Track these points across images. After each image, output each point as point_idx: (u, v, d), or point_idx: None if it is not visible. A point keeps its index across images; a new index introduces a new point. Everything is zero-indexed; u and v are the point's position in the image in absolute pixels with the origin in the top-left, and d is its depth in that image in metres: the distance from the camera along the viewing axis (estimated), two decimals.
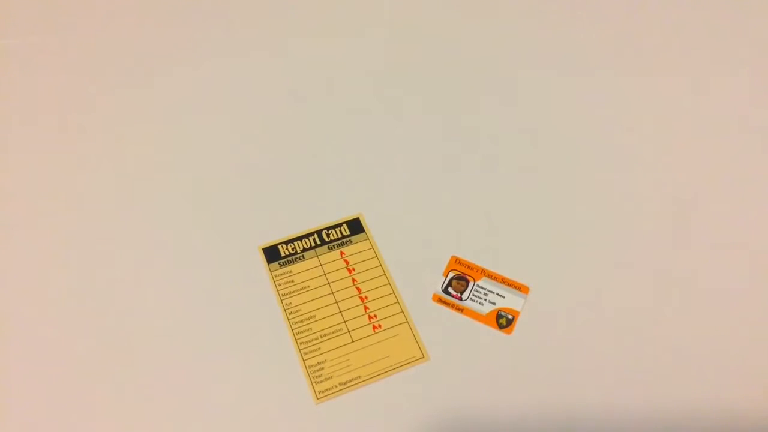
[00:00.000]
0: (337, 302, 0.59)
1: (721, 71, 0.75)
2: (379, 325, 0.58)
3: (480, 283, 0.60)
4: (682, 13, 0.80)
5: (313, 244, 0.62)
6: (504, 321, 0.59)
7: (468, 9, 0.79)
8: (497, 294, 0.60)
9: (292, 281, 0.60)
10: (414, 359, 0.57)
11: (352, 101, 0.72)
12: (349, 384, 0.55)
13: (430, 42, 0.77)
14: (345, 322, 0.58)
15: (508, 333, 0.58)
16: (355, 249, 0.62)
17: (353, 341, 0.58)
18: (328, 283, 0.60)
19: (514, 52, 0.76)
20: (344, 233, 0.63)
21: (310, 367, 0.56)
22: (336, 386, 0.55)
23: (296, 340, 0.57)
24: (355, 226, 0.64)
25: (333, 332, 0.58)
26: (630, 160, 0.68)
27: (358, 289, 0.60)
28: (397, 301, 0.60)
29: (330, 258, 0.62)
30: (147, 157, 0.67)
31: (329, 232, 0.63)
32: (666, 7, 0.80)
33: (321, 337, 0.58)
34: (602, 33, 0.78)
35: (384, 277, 0.61)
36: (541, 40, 0.77)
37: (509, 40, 0.77)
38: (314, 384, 0.55)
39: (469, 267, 0.61)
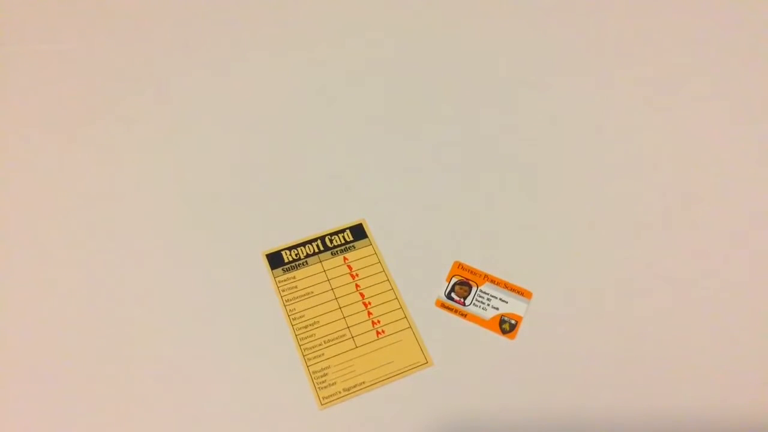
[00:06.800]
0: (340, 308, 0.60)
1: (721, 74, 0.75)
2: (383, 331, 0.59)
3: (483, 288, 0.61)
4: (680, 14, 0.80)
5: (317, 250, 0.63)
6: (507, 326, 0.59)
7: (469, 14, 0.80)
8: (500, 299, 0.60)
9: (296, 287, 0.61)
10: (417, 364, 0.57)
11: (355, 108, 0.72)
12: (353, 389, 0.56)
13: (431, 47, 0.77)
14: (348, 327, 0.59)
15: (512, 338, 0.58)
16: (358, 255, 0.62)
17: (357, 347, 0.58)
18: (332, 289, 0.61)
19: (515, 57, 0.76)
20: (347, 239, 0.63)
21: (314, 372, 0.56)
22: (340, 392, 0.55)
23: (300, 345, 0.58)
24: (358, 232, 0.64)
25: (337, 338, 0.58)
26: (631, 163, 0.68)
27: (362, 295, 0.60)
28: (401, 307, 0.60)
29: (333, 264, 0.62)
30: (150, 162, 0.68)
31: (332, 237, 0.63)
32: (664, 9, 0.80)
33: (325, 342, 0.58)
34: (602, 35, 0.78)
35: (387, 282, 0.61)
36: (541, 44, 0.77)
37: (510, 45, 0.77)
38: (318, 390, 0.55)
39: (472, 272, 0.61)
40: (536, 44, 0.77)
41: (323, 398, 0.55)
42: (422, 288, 0.61)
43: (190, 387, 0.55)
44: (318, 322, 0.59)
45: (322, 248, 0.63)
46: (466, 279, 0.61)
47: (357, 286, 0.61)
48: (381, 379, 0.56)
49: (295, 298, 0.60)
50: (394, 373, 0.56)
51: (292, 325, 0.59)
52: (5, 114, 0.71)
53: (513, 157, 0.69)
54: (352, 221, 0.64)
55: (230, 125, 0.71)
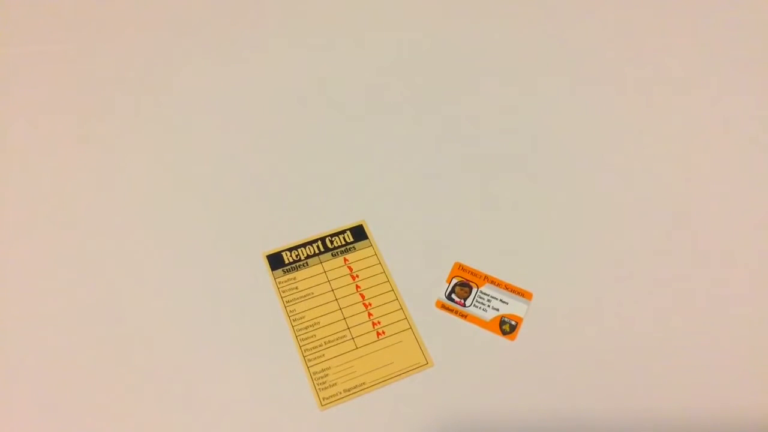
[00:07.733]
0: (341, 309, 0.60)
1: (723, 75, 0.75)
2: (383, 332, 0.59)
3: (483, 289, 0.61)
4: (680, 15, 0.80)
5: (317, 251, 0.63)
6: (507, 327, 0.59)
7: (469, 13, 0.80)
8: (500, 300, 0.60)
9: (296, 288, 0.61)
10: (418, 365, 0.57)
11: (355, 108, 0.72)
12: (353, 390, 0.56)
13: (430, 47, 0.77)
14: (349, 328, 0.59)
15: (512, 339, 0.58)
16: (358, 256, 0.63)
17: (357, 348, 0.58)
18: (332, 290, 0.61)
19: (515, 57, 0.76)
20: (348, 240, 0.63)
21: (315, 373, 0.56)
22: (340, 393, 0.55)
23: (300, 346, 0.58)
24: (359, 233, 0.64)
25: (337, 339, 0.58)
26: (632, 166, 0.68)
27: (362, 296, 0.60)
28: (401, 308, 0.60)
29: (334, 265, 0.62)
30: (151, 165, 0.68)
31: (333, 239, 0.63)
32: (663, 10, 0.81)
33: (325, 343, 0.58)
34: (602, 37, 0.78)
35: (387, 283, 0.61)
36: (542, 45, 0.77)
37: (510, 45, 0.77)
38: (319, 390, 0.55)
39: (472, 273, 0.62)
40: (539, 45, 0.78)
41: (324, 399, 0.55)
42: (422, 289, 0.61)
43: (190, 388, 0.55)
44: (318, 323, 0.59)
45: (322, 249, 0.63)
46: (467, 280, 0.61)
47: (357, 287, 0.61)
48: (381, 379, 0.56)
49: (295, 299, 0.60)
50: (395, 374, 0.56)
51: (293, 326, 0.59)
52: (5, 114, 0.71)
53: (514, 158, 0.69)
54: (353, 222, 0.64)
55: (230, 125, 0.71)
